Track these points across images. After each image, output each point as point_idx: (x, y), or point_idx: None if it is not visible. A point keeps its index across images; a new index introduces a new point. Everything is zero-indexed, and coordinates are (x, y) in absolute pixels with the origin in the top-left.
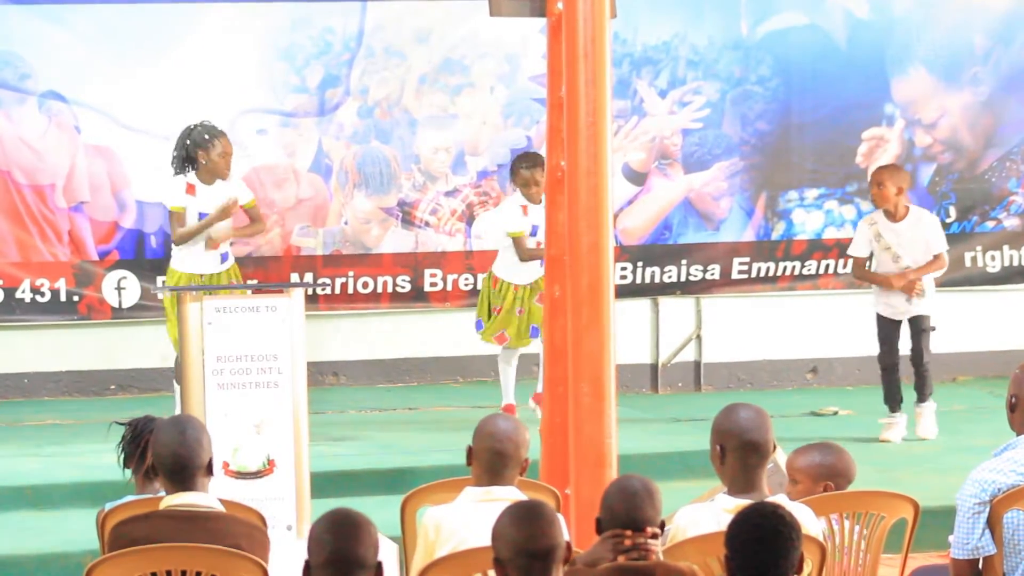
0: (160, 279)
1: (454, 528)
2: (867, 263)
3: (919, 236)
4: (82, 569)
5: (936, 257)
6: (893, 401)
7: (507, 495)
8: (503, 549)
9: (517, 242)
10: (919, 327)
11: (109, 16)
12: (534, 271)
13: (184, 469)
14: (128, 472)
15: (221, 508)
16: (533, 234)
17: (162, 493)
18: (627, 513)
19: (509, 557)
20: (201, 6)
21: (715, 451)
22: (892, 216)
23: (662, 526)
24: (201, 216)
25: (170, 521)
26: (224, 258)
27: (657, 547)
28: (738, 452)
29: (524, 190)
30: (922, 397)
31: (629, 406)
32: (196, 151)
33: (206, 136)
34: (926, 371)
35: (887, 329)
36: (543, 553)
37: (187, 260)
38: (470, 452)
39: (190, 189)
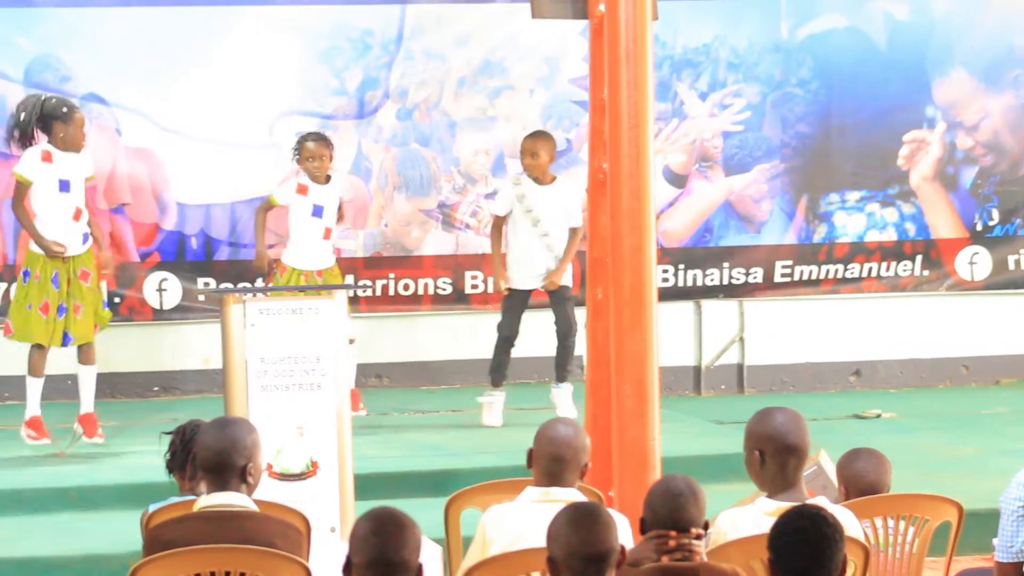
0: (202, 280)
1: (512, 527)
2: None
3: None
4: (127, 571)
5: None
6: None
7: (566, 496)
8: (557, 549)
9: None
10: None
11: (149, 19)
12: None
13: (219, 468)
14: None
15: (255, 508)
16: (317, 214)
17: (203, 495)
18: (671, 514)
19: (563, 558)
20: (241, 9)
21: (752, 456)
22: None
23: (706, 527)
24: (62, 184)
25: (203, 522)
26: (86, 238)
27: (701, 548)
28: (777, 456)
29: (307, 165)
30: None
31: (672, 408)
32: (52, 122)
33: (64, 109)
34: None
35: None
36: (598, 557)
37: (52, 238)
38: (531, 455)
39: (46, 156)
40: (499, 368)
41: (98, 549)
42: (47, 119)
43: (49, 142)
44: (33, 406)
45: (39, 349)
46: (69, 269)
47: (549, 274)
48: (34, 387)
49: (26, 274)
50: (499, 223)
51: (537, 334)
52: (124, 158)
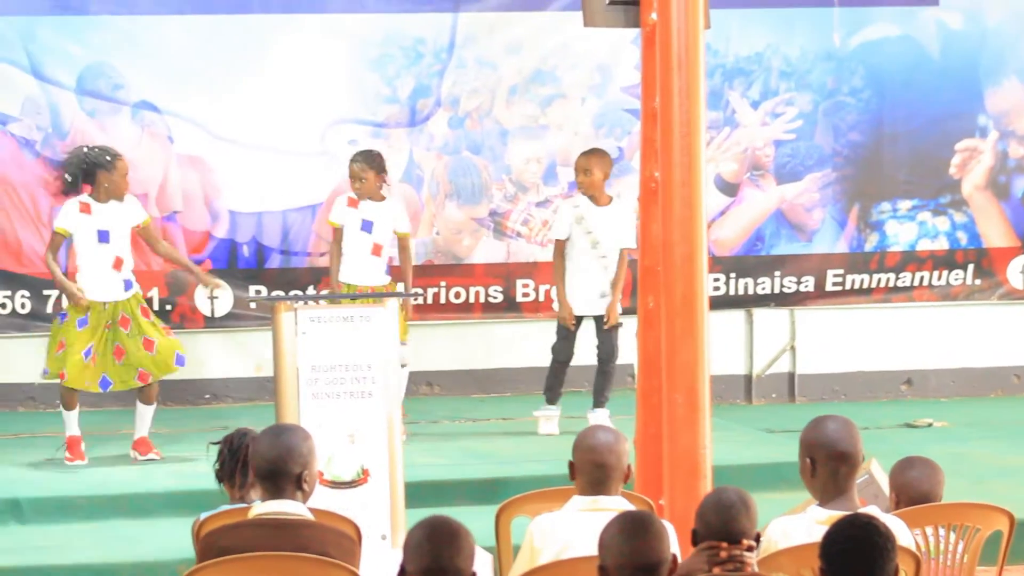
0: (254, 288)
1: (560, 536)
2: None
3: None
4: None
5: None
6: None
7: (614, 504)
8: (609, 558)
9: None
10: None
11: (202, 27)
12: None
13: (275, 476)
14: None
15: (310, 516)
16: (365, 229)
17: (256, 502)
18: (723, 525)
19: (615, 567)
20: (293, 17)
21: (804, 464)
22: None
23: (757, 539)
24: (101, 235)
25: (258, 529)
26: (128, 285)
27: (752, 560)
28: (828, 464)
29: (351, 185)
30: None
31: (723, 417)
32: (97, 171)
33: (107, 158)
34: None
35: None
36: (649, 567)
37: (88, 287)
38: (572, 467)
39: (85, 208)
40: (554, 388)
41: (149, 556)
42: (92, 169)
43: (91, 193)
44: (71, 429)
45: (69, 388)
46: (110, 315)
47: (608, 308)
48: (70, 418)
49: (63, 316)
50: (561, 247)
51: (590, 343)
52: (176, 166)
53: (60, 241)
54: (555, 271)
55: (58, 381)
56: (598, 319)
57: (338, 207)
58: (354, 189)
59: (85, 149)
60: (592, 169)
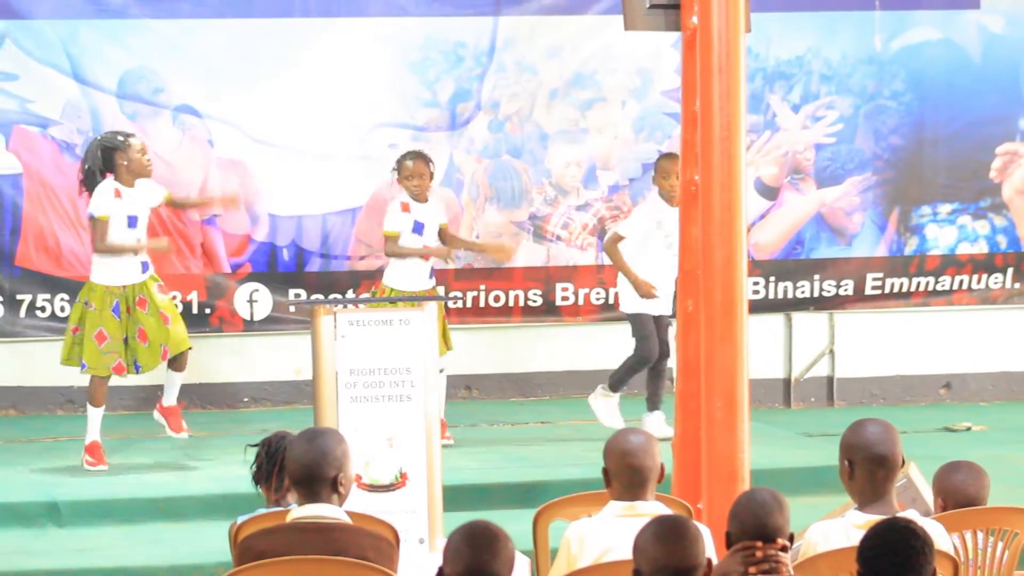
0: (293, 292)
1: (597, 541)
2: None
3: None
4: None
5: None
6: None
7: (651, 509)
8: (644, 563)
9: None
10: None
11: (242, 30)
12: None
13: (311, 480)
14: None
15: (348, 520)
16: (417, 231)
17: (293, 506)
18: (757, 524)
19: (650, 572)
20: (333, 20)
21: (843, 466)
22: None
23: (791, 538)
24: (130, 220)
25: (295, 533)
26: (145, 267)
27: (787, 560)
28: (865, 466)
29: (407, 184)
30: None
31: (762, 421)
32: (114, 154)
33: (120, 138)
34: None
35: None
36: (684, 571)
37: (108, 273)
38: (606, 474)
39: (116, 193)
40: (622, 382)
41: (186, 559)
42: (108, 154)
43: (116, 179)
44: (93, 432)
45: (100, 378)
46: (128, 299)
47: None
48: (95, 416)
49: (86, 304)
50: (617, 239)
51: (620, 344)
52: (216, 169)
53: (105, 228)
54: (617, 260)
55: (81, 370)
56: (658, 319)
57: (393, 215)
58: (412, 187)
59: (97, 137)
60: (677, 172)
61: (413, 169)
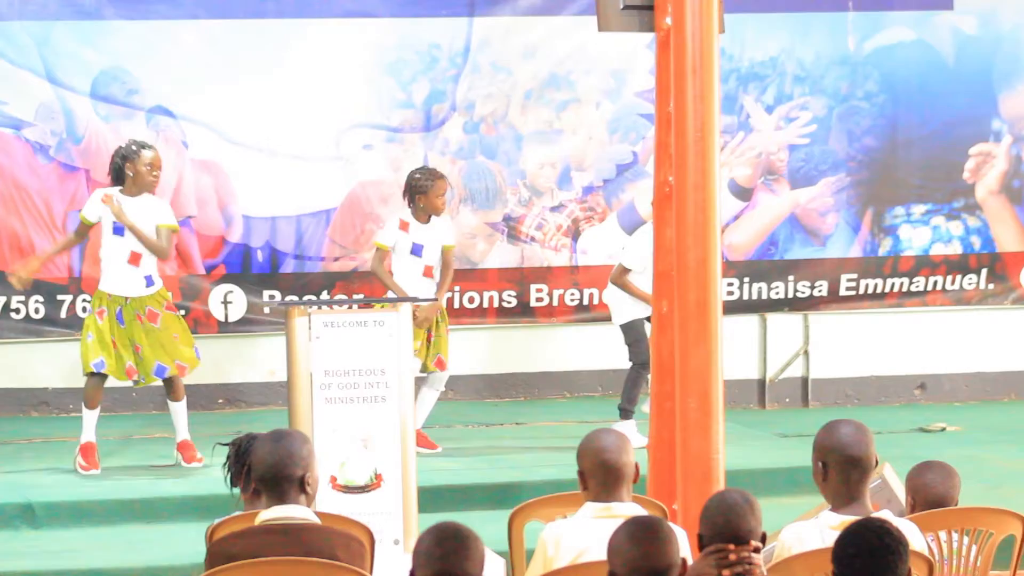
0: (267, 293)
1: (574, 543)
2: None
3: None
4: None
5: None
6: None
7: (628, 511)
8: (618, 564)
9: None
10: None
11: (216, 31)
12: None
13: (277, 481)
14: (237, 491)
15: (317, 520)
16: (415, 253)
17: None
18: (729, 526)
19: (624, 573)
20: (307, 21)
21: (817, 467)
22: None
23: (763, 539)
24: (115, 227)
25: (265, 535)
26: (149, 281)
27: (760, 561)
28: (840, 467)
29: (438, 201)
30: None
31: (736, 422)
32: (124, 163)
33: (134, 148)
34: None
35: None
36: (658, 572)
37: (104, 280)
38: (581, 475)
39: (107, 199)
40: (633, 400)
41: (161, 561)
42: (123, 161)
43: (123, 188)
44: (88, 434)
45: (94, 380)
46: (133, 310)
47: None
48: (89, 418)
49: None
50: (624, 272)
51: (594, 345)
52: (190, 170)
53: (84, 229)
54: (631, 290)
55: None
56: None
57: (390, 230)
58: (442, 204)
59: (121, 146)
60: None
61: (443, 187)
